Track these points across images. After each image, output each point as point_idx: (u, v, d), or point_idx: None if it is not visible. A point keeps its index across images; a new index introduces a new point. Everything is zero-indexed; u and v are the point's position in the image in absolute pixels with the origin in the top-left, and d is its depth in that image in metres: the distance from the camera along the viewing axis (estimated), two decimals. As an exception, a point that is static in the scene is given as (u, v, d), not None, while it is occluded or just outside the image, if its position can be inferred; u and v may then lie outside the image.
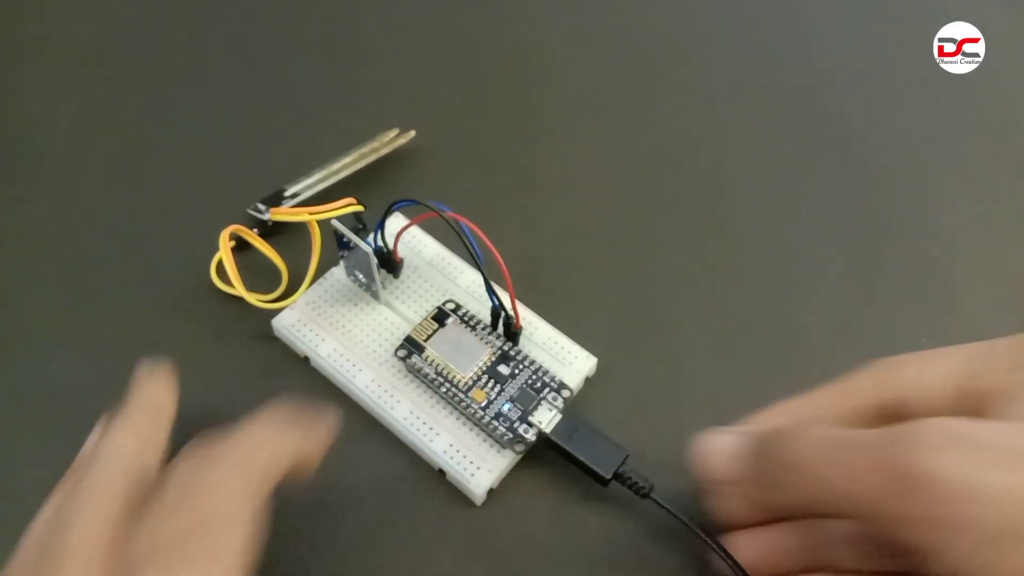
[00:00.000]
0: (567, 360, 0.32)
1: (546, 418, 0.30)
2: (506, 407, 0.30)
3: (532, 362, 0.31)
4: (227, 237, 0.32)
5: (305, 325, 0.33)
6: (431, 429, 0.30)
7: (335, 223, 0.31)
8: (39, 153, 0.38)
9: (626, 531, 0.30)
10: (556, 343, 0.32)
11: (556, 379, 0.31)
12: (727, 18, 0.44)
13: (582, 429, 0.30)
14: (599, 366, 0.33)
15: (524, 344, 0.32)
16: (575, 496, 0.30)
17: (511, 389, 0.31)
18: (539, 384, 0.31)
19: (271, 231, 0.35)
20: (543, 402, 0.31)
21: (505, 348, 0.32)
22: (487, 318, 0.32)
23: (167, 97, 0.40)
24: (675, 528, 0.29)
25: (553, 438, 0.30)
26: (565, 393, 0.31)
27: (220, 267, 0.33)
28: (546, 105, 0.41)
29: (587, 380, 0.33)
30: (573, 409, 0.31)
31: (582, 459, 0.29)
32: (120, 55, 0.42)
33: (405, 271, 0.34)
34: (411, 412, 0.31)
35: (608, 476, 0.29)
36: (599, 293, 0.35)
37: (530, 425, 0.30)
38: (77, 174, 0.38)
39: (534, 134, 0.39)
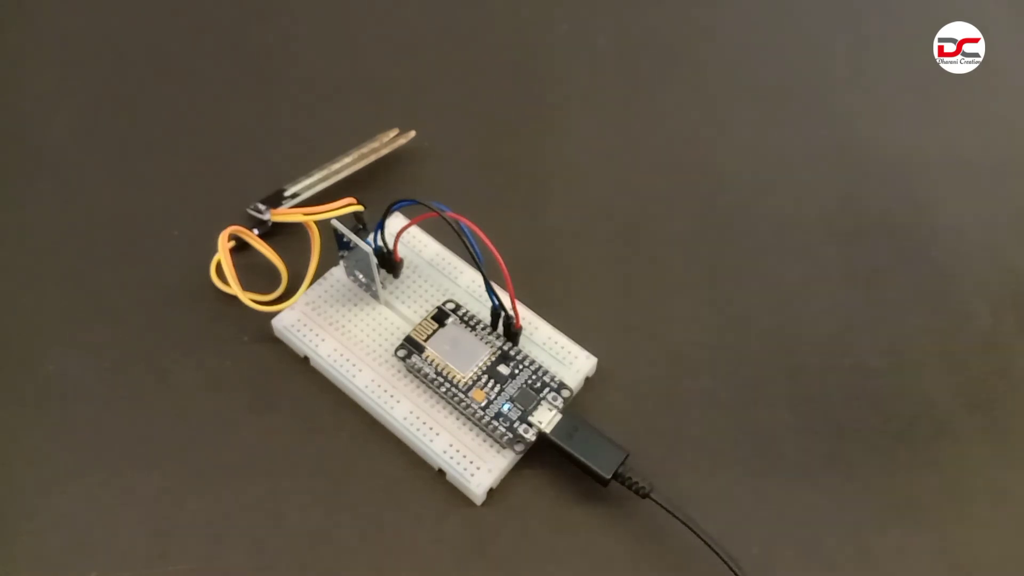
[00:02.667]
0: (567, 360, 0.32)
1: (546, 418, 0.30)
2: (506, 407, 0.30)
3: (532, 362, 0.31)
4: (226, 238, 0.31)
5: (305, 325, 0.33)
6: (431, 429, 0.30)
7: (335, 223, 0.31)
8: (39, 153, 0.38)
9: (626, 531, 0.30)
10: (556, 343, 0.32)
11: (556, 379, 0.31)
12: (726, 18, 0.44)
13: (582, 429, 0.30)
14: (599, 366, 0.33)
15: (524, 344, 0.32)
16: (575, 496, 0.30)
17: (511, 389, 0.31)
18: (539, 384, 0.31)
19: (271, 231, 0.35)
20: (543, 402, 0.30)
21: (505, 348, 0.32)
22: (487, 318, 0.32)
23: (166, 97, 0.40)
24: (675, 528, 0.29)
25: (553, 438, 0.30)
26: (565, 393, 0.31)
27: (219, 267, 0.33)
28: (546, 105, 0.41)
29: (587, 380, 0.33)
30: (573, 409, 0.31)
31: (582, 459, 0.29)
32: (120, 55, 0.42)
33: (405, 271, 0.34)
34: (411, 412, 0.31)
35: (608, 476, 0.29)
36: (599, 293, 0.35)
37: (530, 425, 0.30)
38: (77, 174, 0.38)
39: (534, 134, 0.39)
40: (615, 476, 0.29)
